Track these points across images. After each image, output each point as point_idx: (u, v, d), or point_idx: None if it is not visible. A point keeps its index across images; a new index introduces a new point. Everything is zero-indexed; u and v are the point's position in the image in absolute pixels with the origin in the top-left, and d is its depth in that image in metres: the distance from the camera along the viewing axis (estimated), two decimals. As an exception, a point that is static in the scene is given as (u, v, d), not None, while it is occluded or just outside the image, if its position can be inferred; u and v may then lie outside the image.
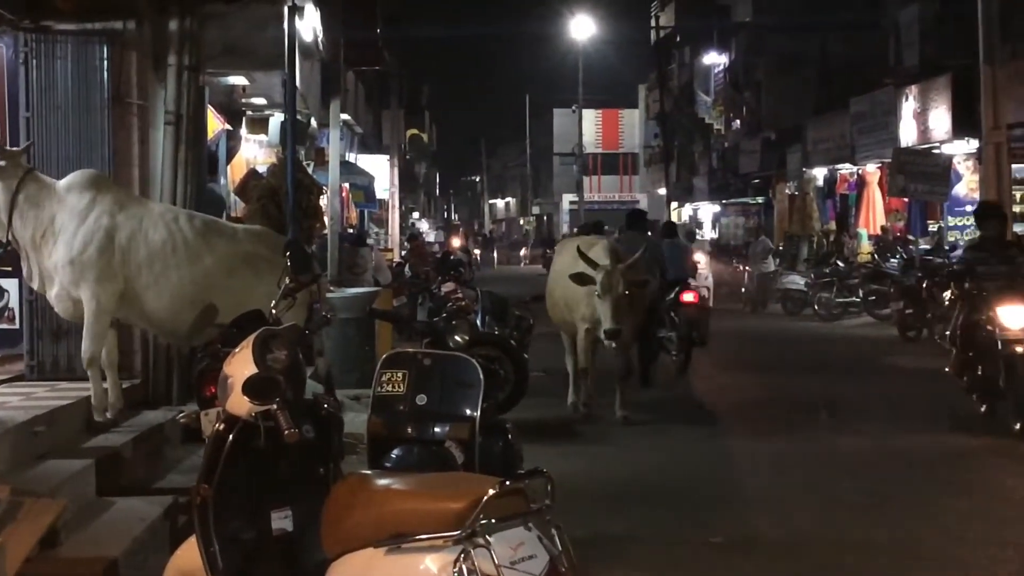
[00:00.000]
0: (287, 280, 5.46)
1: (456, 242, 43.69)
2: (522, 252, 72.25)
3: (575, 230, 34.59)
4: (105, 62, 10.50)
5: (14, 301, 11.01)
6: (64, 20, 10.50)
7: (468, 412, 6.45)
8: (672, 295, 16.11)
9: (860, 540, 8.25)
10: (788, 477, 10.34)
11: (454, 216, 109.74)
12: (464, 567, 3.88)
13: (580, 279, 12.02)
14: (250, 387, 4.48)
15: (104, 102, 10.51)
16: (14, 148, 9.49)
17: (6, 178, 9.01)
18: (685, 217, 57.35)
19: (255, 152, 20.52)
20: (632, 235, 15.56)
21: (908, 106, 27.27)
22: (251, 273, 9.06)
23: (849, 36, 36.10)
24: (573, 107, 66.41)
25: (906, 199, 26.64)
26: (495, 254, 72.33)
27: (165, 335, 9.98)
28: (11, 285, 10.99)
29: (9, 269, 10.79)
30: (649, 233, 17.60)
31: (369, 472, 5.16)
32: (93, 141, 10.46)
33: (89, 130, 10.48)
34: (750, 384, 16.36)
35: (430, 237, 59.97)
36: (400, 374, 6.54)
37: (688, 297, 16.31)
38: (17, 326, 10.91)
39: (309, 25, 19.16)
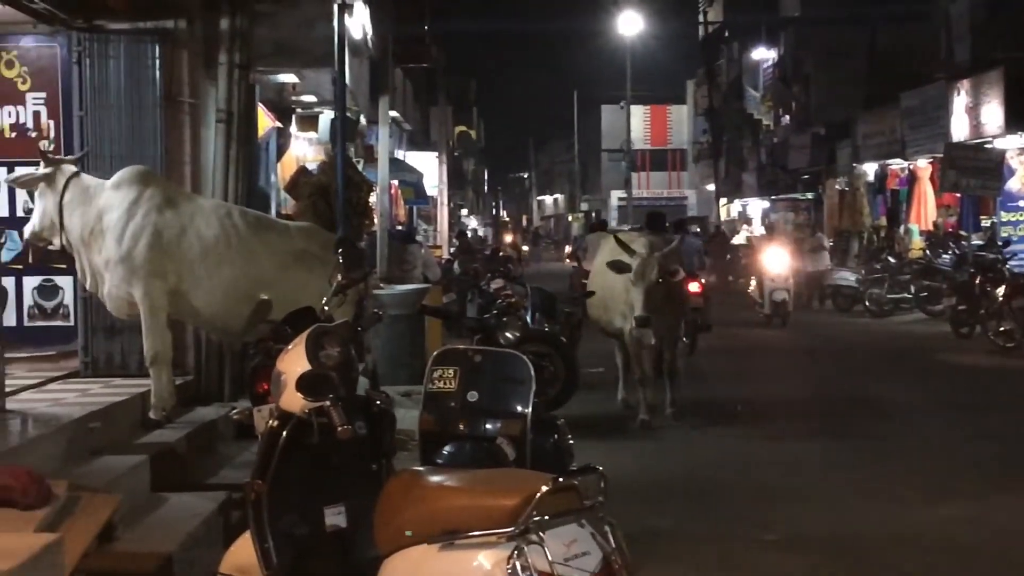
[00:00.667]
0: (338, 277, 5.48)
1: (508, 239, 43.75)
2: (566, 249, 72.24)
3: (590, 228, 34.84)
4: (157, 61, 10.59)
5: (69, 298, 11.14)
6: (116, 19, 10.60)
7: (519, 408, 6.46)
8: None
9: (913, 538, 8.19)
10: (841, 474, 10.27)
11: (502, 213, 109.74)
12: (517, 564, 3.87)
13: (617, 266, 11.98)
14: (303, 383, 4.50)
15: (156, 101, 10.60)
16: (66, 157, 9.63)
17: (53, 184, 9.12)
18: (734, 213, 57.14)
19: (305, 150, 20.58)
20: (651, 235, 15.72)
21: (960, 100, 27.03)
22: (303, 270, 9.10)
23: (899, 29, 35.82)
24: (621, 103, 66.19)
25: (958, 194, 26.41)
26: (542, 251, 72.30)
27: (216, 332, 10.04)
28: (66, 283, 11.12)
29: (63, 267, 10.91)
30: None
31: (421, 468, 5.16)
32: (145, 139, 10.55)
33: (141, 128, 10.57)
34: (800, 381, 16.29)
35: (478, 233, 60.04)
36: (451, 371, 6.55)
37: (693, 287, 16.66)
38: (72, 323, 11.03)
39: (358, 22, 19.22)
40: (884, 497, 9.43)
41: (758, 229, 49.28)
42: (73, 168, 9.29)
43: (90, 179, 9.32)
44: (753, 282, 25.42)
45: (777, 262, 24.38)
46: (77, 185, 9.19)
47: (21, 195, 11.00)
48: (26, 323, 11.30)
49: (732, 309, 26.16)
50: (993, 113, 25.24)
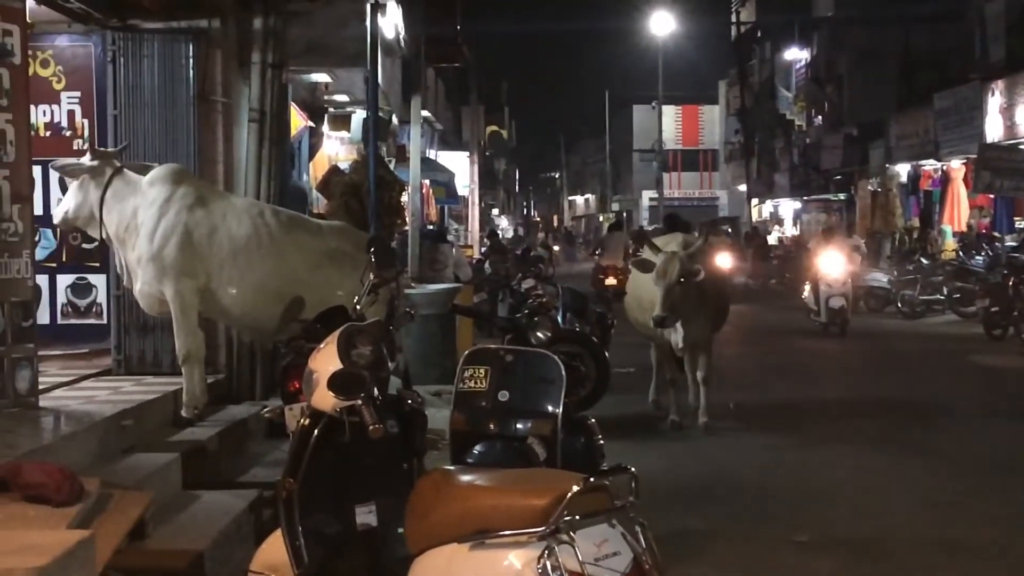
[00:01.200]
0: (371, 276, 5.49)
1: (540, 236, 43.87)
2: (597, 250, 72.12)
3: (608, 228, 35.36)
4: (190, 60, 10.62)
5: (102, 296, 11.19)
6: (150, 19, 10.64)
7: (550, 408, 6.45)
8: None
9: (945, 541, 8.15)
10: (872, 476, 10.23)
11: (533, 212, 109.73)
12: (548, 564, 3.86)
13: (642, 265, 11.90)
14: (335, 382, 4.51)
15: (189, 99, 10.63)
16: (109, 149, 9.65)
17: (97, 177, 9.16)
18: (766, 214, 57.00)
19: (337, 149, 20.63)
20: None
21: (994, 101, 26.89)
22: (335, 269, 9.11)
23: (933, 29, 35.64)
24: (653, 103, 66.15)
25: (992, 196, 26.27)
26: (576, 251, 72.17)
27: (247, 330, 10.07)
28: (99, 280, 11.17)
29: (97, 265, 10.97)
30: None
31: (452, 468, 5.16)
32: (179, 138, 10.59)
33: (175, 127, 10.60)
34: (831, 383, 16.23)
35: (509, 233, 60.06)
36: (482, 370, 6.55)
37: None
38: (105, 321, 11.08)
39: (391, 22, 19.26)
40: (916, 500, 9.39)
41: (790, 230, 49.20)
42: (117, 163, 9.33)
43: (132, 175, 9.35)
44: (807, 288, 23.50)
45: (834, 266, 22.67)
46: (120, 180, 9.22)
47: (55, 193, 11.05)
48: (59, 321, 11.35)
49: (782, 313, 26.35)
50: (1028, 114, 25.11)
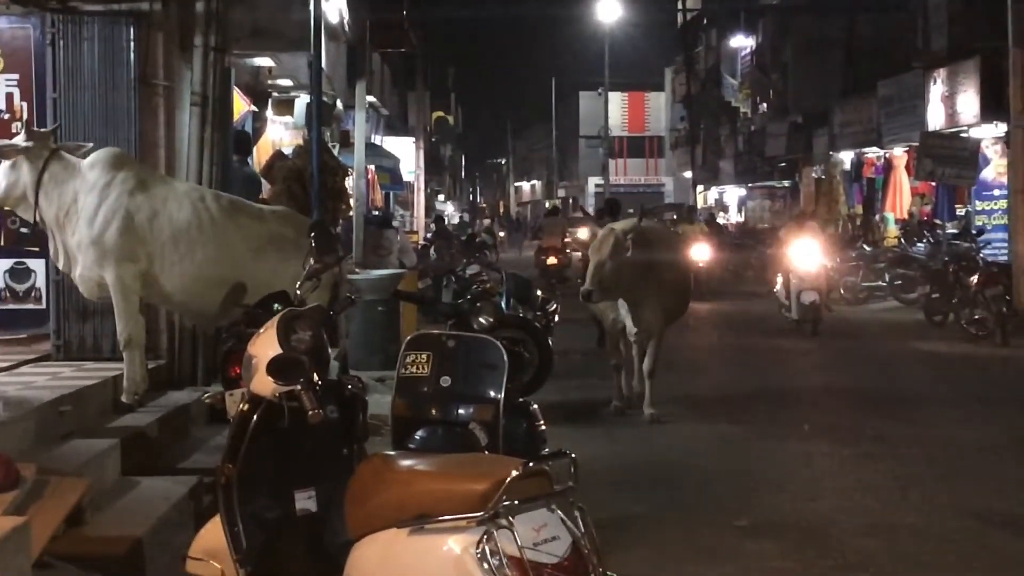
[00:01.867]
0: (311, 261, 5.46)
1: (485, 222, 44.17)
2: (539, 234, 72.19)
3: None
4: (131, 43, 10.53)
5: (40, 281, 11.08)
6: (91, 1, 10.53)
7: (492, 394, 6.45)
8: None
9: (886, 525, 8.23)
10: (815, 463, 10.30)
11: (479, 199, 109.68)
12: (487, 548, 3.86)
13: (580, 243, 11.90)
14: (274, 367, 4.49)
15: (130, 83, 10.54)
16: (42, 129, 9.52)
17: (33, 159, 9.04)
18: (711, 200, 57.25)
19: (281, 134, 20.54)
20: (608, 222, 15.98)
21: (936, 89, 27.09)
22: (277, 254, 9.07)
23: (877, 18, 35.89)
24: (599, 90, 66.36)
25: (933, 183, 26.51)
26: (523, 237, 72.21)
27: (189, 316, 10.01)
28: (38, 265, 11.06)
29: (36, 249, 10.86)
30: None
31: (393, 453, 5.15)
32: (119, 122, 10.49)
33: (115, 111, 10.50)
34: (775, 369, 16.31)
35: (455, 220, 60.04)
36: (424, 356, 6.53)
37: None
38: (44, 306, 10.98)
39: (335, 6, 19.19)
40: (857, 486, 9.46)
41: (735, 216, 49.44)
42: (53, 145, 9.21)
43: (70, 158, 9.23)
44: (779, 281, 21.68)
45: (806, 257, 20.79)
46: (57, 163, 9.10)
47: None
48: (-2, 306, 11.25)
49: (747, 307, 25.58)
50: (969, 102, 25.30)
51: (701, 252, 26.80)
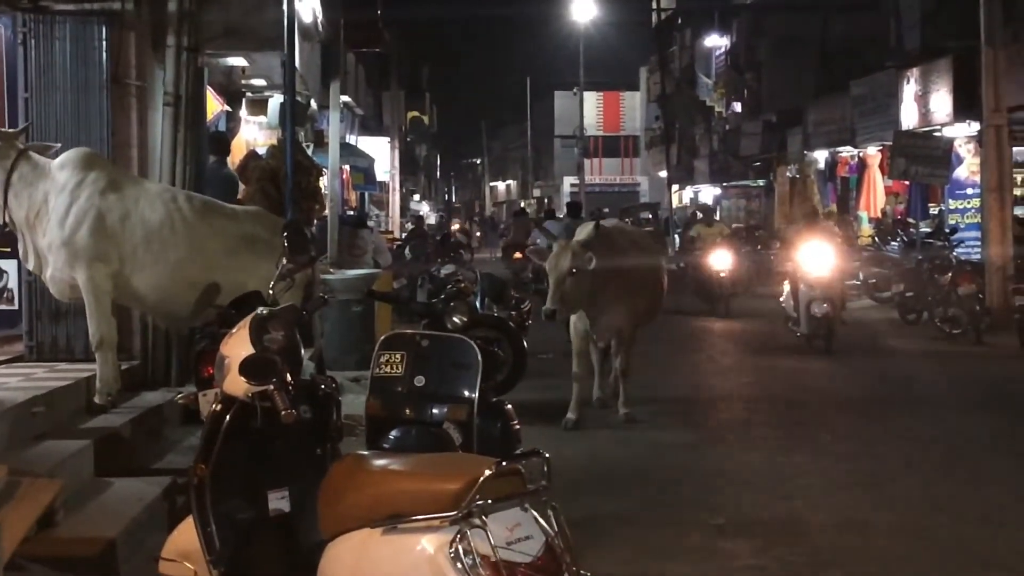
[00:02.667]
0: (284, 261, 5.45)
1: (456, 225, 44.30)
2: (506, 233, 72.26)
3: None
4: (104, 43, 10.49)
5: (13, 282, 11.02)
6: (62, 0, 10.48)
7: (466, 393, 6.45)
8: None
9: (861, 522, 8.25)
10: (789, 460, 10.32)
11: (455, 198, 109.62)
12: (460, 547, 3.87)
13: (538, 254, 11.57)
14: (247, 368, 4.48)
15: (103, 83, 10.50)
16: (10, 130, 9.46)
17: (0, 159, 8.99)
18: (686, 200, 57.32)
19: (254, 134, 20.50)
20: (571, 222, 17.03)
21: (909, 89, 27.20)
22: (250, 254, 9.04)
23: (850, 18, 35.98)
24: (574, 89, 66.32)
25: (907, 182, 26.56)
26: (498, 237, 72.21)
27: (161, 317, 9.96)
28: (10, 266, 11.00)
29: (8, 250, 10.78)
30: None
31: (366, 453, 5.14)
32: (92, 122, 10.45)
33: (88, 111, 10.46)
34: (751, 368, 16.35)
35: (431, 220, 59.98)
36: (398, 356, 6.53)
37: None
38: (16, 307, 10.92)
39: (308, 6, 19.14)
40: (832, 483, 9.49)
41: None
42: (20, 145, 9.15)
43: (39, 158, 9.19)
44: (786, 289, 18.82)
45: (817, 261, 17.81)
46: (26, 164, 9.04)
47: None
48: (-30, 307, 11.19)
49: (754, 321, 22.07)
50: (942, 101, 25.41)
51: (722, 259, 23.57)
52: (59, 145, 9.56)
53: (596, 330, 11.80)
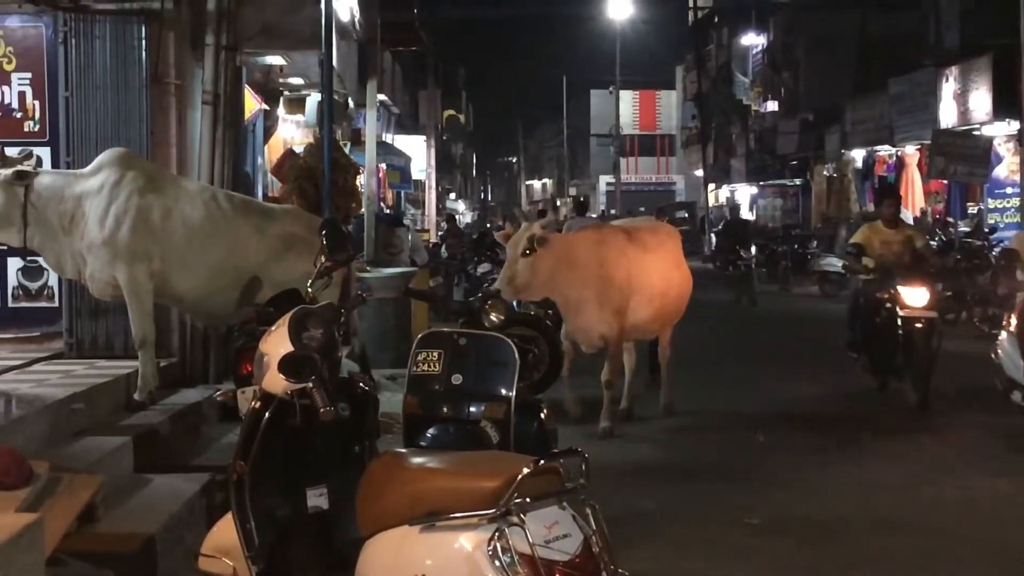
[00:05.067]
0: (323, 259, 5.47)
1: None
2: None
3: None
4: (143, 42, 10.56)
5: (53, 279, 11.10)
6: (102, 0, 10.55)
7: (503, 392, 6.46)
8: None
9: (896, 523, 8.21)
10: (825, 460, 10.27)
11: (490, 197, 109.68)
12: (498, 545, 3.87)
13: (505, 239, 10.86)
14: (286, 365, 4.49)
15: (142, 82, 10.56)
16: (15, 156, 9.33)
17: (11, 186, 8.86)
18: (722, 199, 57.18)
19: (292, 132, 20.55)
20: (578, 219, 17.34)
21: (948, 87, 27.07)
22: (288, 253, 9.09)
23: (889, 16, 35.85)
24: (610, 88, 66.27)
25: (946, 181, 26.47)
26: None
27: (199, 316, 10.01)
28: (49, 264, 11.07)
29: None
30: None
31: (404, 450, 5.15)
32: (131, 121, 10.52)
33: (127, 110, 10.53)
34: (789, 367, 16.28)
35: (466, 218, 60.08)
36: (436, 354, 6.54)
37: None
38: (56, 304, 11.01)
39: (346, 5, 19.18)
40: (868, 483, 9.44)
41: (746, 214, 49.39)
42: (29, 169, 9.03)
43: (53, 174, 9.19)
44: (1002, 336, 11.50)
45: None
46: (40, 184, 8.98)
47: (6, 175, 10.97)
48: (10, 304, 11.28)
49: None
50: (981, 100, 25.28)
51: (916, 295, 12.82)
52: (31, 150, 9.51)
53: (577, 335, 11.32)
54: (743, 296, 25.91)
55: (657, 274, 11.62)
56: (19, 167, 8.95)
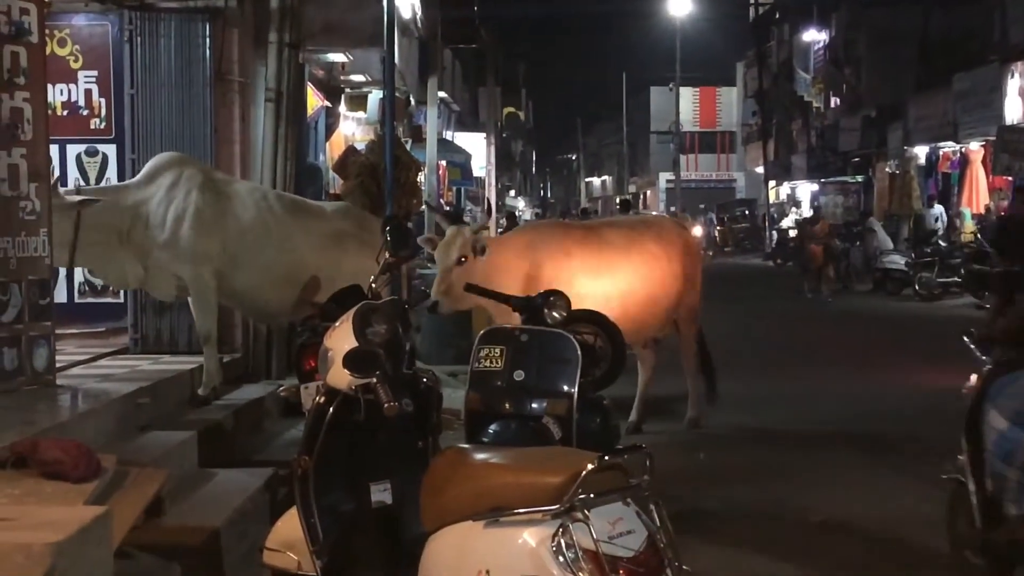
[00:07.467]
0: (386, 255, 5.48)
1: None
2: None
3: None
4: (207, 39, 10.65)
5: (118, 276, 11.20)
6: (167, -2, 10.66)
7: (566, 388, 6.44)
8: None
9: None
10: (888, 461, 10.20)
11: (550, 194, 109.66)
12: (562, 541, 3.86)
13: (430, 243, 9.85)
14: (350, 360, 4.50)
15: (206, 79, 10.65)
16: (64, 188, 9.17)
17: (62, 214, 8.69)
18: (783, 196, 56.84)
19: (354, 129, 20.65)
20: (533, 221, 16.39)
21: (1014, 83, 26.74)
22: (338, 250, 9.13)
23: (952, 10, 35.45)
24: (670, 85, 66.13)
25: (1010, 178, 26.15)
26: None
27: (252, 313, 10.05)
28: (116, 259, 11.18)
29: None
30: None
31: (467, 446, 5.16)
32: (195, 118, 10.61)
33: (191, 107, 10.63)
34: (841, 366, 16.16)
35: (526, 215, 60.08)
36: (498, 350, 6.53)
37: None
38: (121, 300, 11.12)
39: (407, 2, 19.25)
40: (935, 483, 9.34)
41: (806, 211, 49.04)
42: (76, 196, 8.90)
43: (101, 192, 9.17)
44: None
45: None
46: (87, 208, 8.83)
47: (72, 172, 11.10)
48: (76, 300, 11.41)
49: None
50: (1047, 96, 24.99)
51: None
52: (57, 177, 9.25)
53: None
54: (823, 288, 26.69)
55: (621, 275, 10.76)
56: (86, 198, 8.93)
